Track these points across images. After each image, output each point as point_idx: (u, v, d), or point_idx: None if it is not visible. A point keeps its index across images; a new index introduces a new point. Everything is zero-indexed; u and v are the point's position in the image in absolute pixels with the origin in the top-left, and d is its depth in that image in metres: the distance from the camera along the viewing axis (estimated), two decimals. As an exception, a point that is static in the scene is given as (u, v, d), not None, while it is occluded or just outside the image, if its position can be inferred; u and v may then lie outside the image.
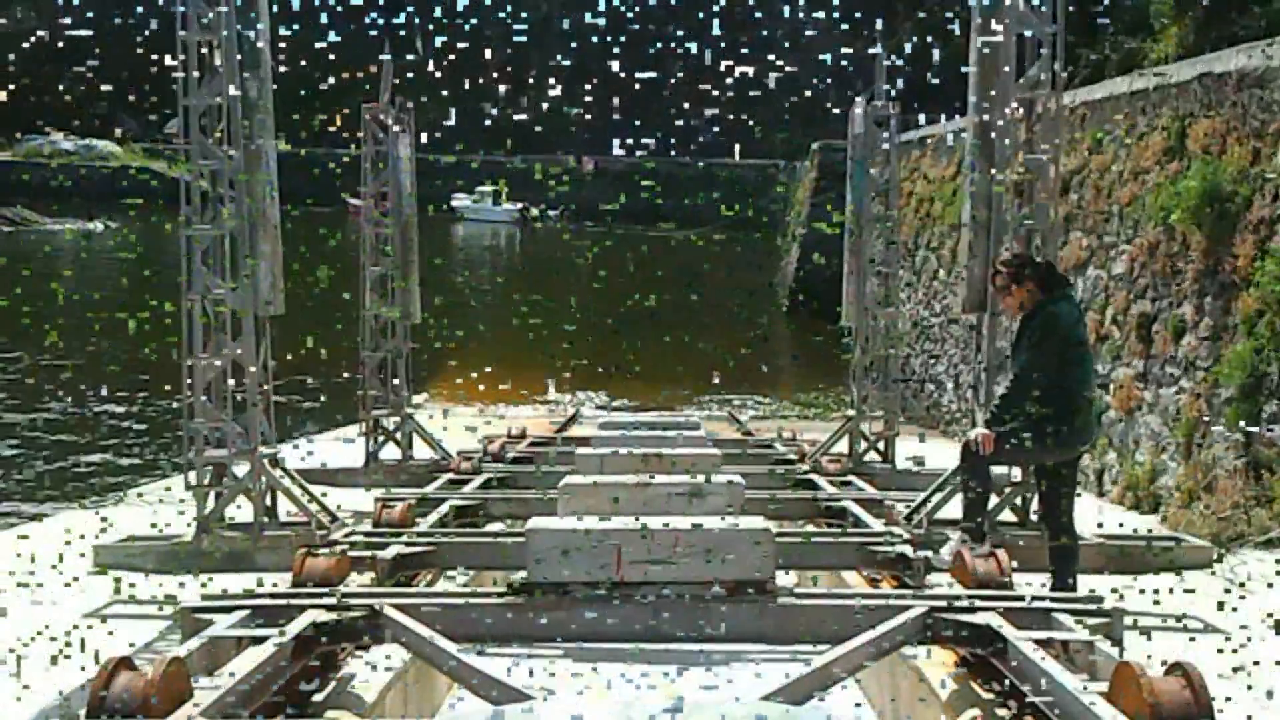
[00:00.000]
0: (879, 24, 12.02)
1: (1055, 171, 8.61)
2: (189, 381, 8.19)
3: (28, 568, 8.92)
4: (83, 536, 8.81)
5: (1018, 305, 7.50)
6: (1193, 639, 7.19)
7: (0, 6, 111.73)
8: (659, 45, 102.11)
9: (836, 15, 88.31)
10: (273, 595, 5.87)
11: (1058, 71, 8.37)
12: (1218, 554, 8.67)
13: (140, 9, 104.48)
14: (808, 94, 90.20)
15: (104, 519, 10.66)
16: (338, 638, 5.60)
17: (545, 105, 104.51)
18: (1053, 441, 7.32)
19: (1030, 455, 7.65)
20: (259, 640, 5.24)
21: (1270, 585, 8.46)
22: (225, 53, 8.06)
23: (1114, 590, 7.80)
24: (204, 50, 8.19)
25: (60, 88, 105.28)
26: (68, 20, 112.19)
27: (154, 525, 9.05)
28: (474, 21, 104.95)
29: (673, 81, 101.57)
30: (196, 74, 8.16)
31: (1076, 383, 7.28)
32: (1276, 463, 9.68)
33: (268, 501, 8.38)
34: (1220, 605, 7.92)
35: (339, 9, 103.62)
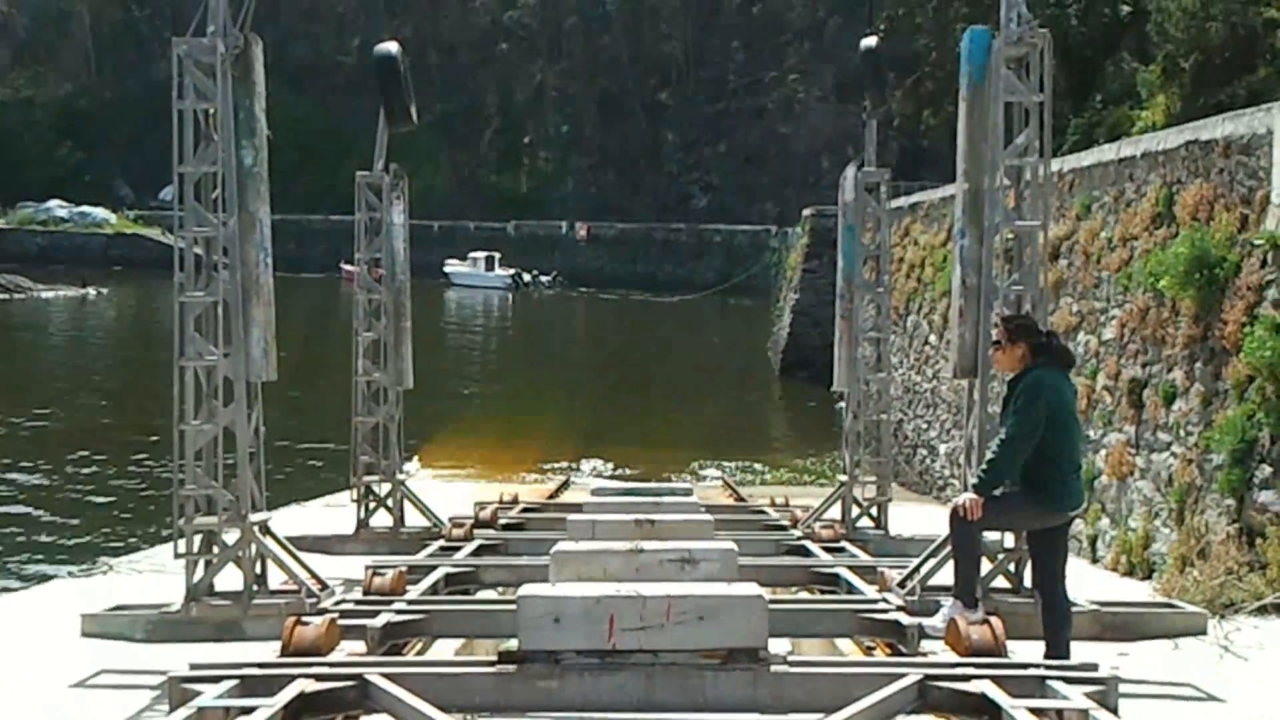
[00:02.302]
0: (867, 92, 12.14)
1: (1044, 238, 8.68)
2: (180, 448, 8.17)
3: (15, 637, 8.86)
4: (71, 605, 8.75)
5: (1008, 364, 7.51)
6: (1188, 707, 7.17)
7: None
8: (653, 112, 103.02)
9: (829, 82, 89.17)
10: (261, 665, 5.82)
11: (1045, 139, 8.47)
12: (1212, 621, 8.63)
13: (137, 78, 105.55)
14: (801, 160, 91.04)
15: (92, 587, 10.61)
16: (327, 708, 5.55)
17: (540, 172, 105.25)
18: (1040, 507, 7.30)
19: (1018, 521, 7.63)
20: (247, 710, 5.20)
21: (1265, 652, 8.43)
22: (222, 121, 8.12)
23: (1115, 656, 7.77)
24: (200, 118, 8.26)
25: (56, 155, 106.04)
26: (64, 87, 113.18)
27: (143, 594, 8.99)
28: (469, 88, 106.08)
29: (666, 148, 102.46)
30: (192, 142, 8.21)
31: (1062, 448, 7.26)
32: (1269, 529, 9.67)
33: (257, 569, 8.33)
34: (1215, 673, 7.89)
35: (334, 76, 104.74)
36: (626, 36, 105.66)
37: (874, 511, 12.48)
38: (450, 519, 11.72)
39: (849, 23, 77.40)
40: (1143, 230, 12.90)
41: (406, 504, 12.14)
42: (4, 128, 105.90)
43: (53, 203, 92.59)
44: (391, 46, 11.86)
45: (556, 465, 24.68)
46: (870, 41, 12.96)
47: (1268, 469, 9.90)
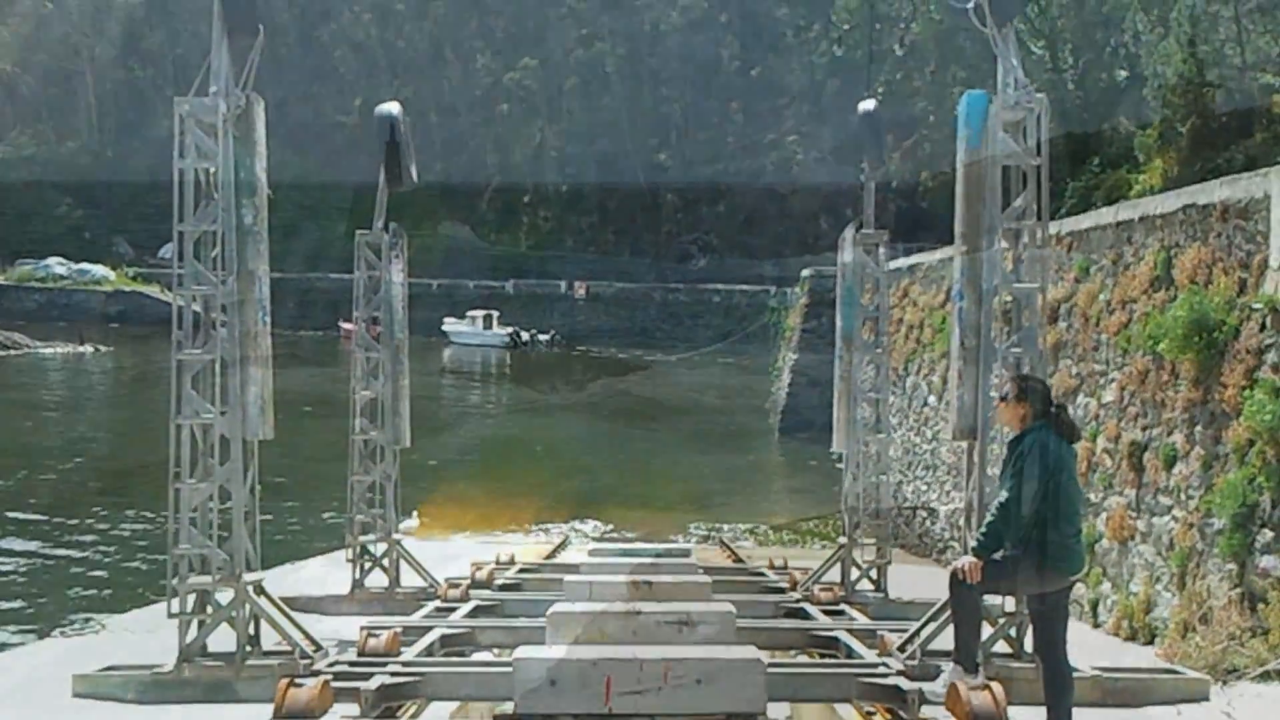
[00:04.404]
0: (865, 154, 12.25)
1: (1042, 300, 8.69)
2: (175, 506, 8.12)
3: (6, 697, 8.75)
4: (62, 665, 8.66)
5: (1009, 419, 7.45)
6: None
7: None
8: (652, 172, 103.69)
9: (827, 144, 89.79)
10: (253, 727, 5.76)
11: (1043, 202, 8.50)
12: (1215, 687, 8.55)
13: (139, 136, 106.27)
14: (799, 221, 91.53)
15: (85, 647, 10.51)
16: (319, 772, 5.48)
17: (539, 231, 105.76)
18: (1041, 570, 7.23)
19: (1018, 584, 7.56)
20: (238, 774, 5.12)
21: (1268, 718, 8.34)
22: (222, 180, 8.15)
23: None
24: (201, 177, 8.29)
25: (56, 213, 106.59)
26: (66, 145, 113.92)
27: (135, 653, 8.90)
28: (470, 148, 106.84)
29: (664, 208, 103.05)
30: (192, 200, 8.24)
31: (1062, 511, 7.21)
32: (1271, 594, 9.60)
33: (251, 630, 8.25)
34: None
35: (335, 136, 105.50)
36: (626, 98, 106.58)
37: (873, 574, 12.41)
38: (446, 579, 11.65)
39: (847, 85, 78.13)
40: (1141, 293, 12.92)
41: (402, 563, 12.07)
42: (5, 185, 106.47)
43: (52, 260, 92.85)
44: (393, 107, 11.94)
45: (554, 524, 24.57)
46: (869, 104, 13.06)
47: (1269, 533, 9.85)
